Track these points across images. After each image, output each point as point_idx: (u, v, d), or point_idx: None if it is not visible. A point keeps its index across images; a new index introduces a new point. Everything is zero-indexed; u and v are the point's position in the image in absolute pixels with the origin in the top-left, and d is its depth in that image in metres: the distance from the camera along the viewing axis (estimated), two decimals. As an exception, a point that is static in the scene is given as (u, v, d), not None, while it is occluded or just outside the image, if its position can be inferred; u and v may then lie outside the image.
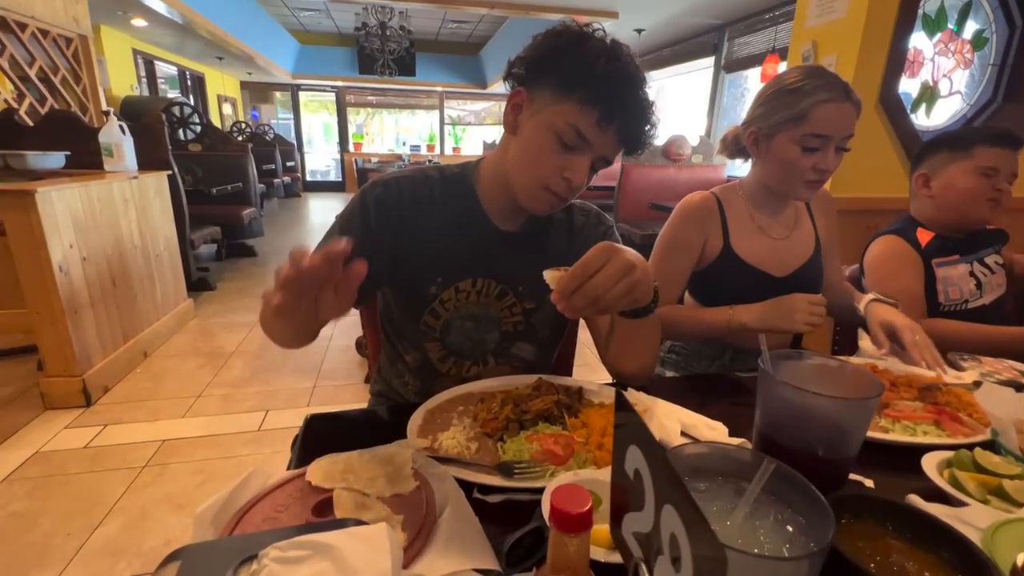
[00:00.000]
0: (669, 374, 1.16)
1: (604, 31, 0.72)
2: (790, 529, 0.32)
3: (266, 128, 8.56)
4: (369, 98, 10.61)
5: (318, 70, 9.28)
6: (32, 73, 3.64)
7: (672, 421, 0.63)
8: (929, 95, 2.20)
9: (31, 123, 3.02)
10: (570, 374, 1.06)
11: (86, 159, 2.69)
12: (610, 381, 0.82)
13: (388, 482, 0.48)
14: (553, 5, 4.48)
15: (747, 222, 1.07)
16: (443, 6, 4.36)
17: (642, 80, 0.71)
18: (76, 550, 1.36)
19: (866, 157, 2.05)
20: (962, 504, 0.49)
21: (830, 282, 1.15)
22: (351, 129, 10.60)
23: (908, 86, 2.15)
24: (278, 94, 10.69)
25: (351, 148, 10.52)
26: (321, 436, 0.67)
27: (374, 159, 10.20)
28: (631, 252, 0.60)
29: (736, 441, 0.59)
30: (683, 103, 6.72)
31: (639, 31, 5.34)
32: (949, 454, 0.57)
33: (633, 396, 0.71)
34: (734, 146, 1.09)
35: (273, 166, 7.51)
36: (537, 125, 0.71)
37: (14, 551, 1.35)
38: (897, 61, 2.06)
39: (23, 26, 3.56)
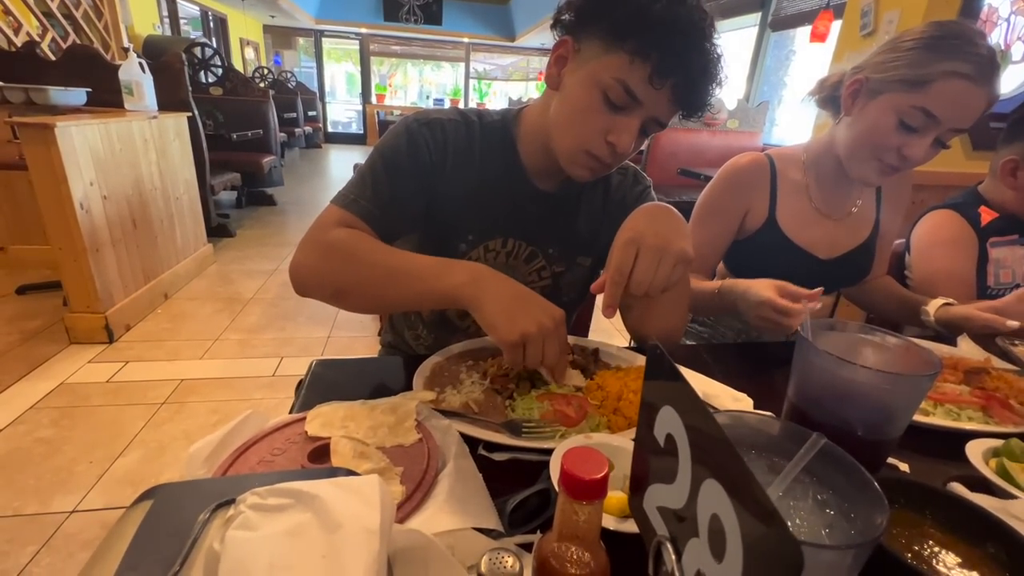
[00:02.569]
0: (689, 343, 1.11)
1: None
2: (831, 513, 0.29)
3: (288, 75, 8.41)
4: (394, 48, 10.31)
5: (342, 15, 9.00)
6: (54, 7, 3.59)
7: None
8: (1000, 58, 2.01)
9: (53, 58, 2.99)
10: (586, 335, 1.03)
11: (106, 97, 2.67)
12: (628, 345, 0.78)
13: (389, 432, 0.45)
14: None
15: (800, 195, 0.96)
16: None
17: (710, 29, 0.60)
18: (97, 477, 1.41)
19: (919, 126, 1.90)
20: (1010, 496, 0.45)
21: (874, 273, 1.05)
22: (374, 80, 10.35)
23: (975, 48, 1.96)
24: (301, 40, 10.44)
25: (374, 100, 10.31)
26: (326, 383, 0.65)
27: (396, 112, 10.01)
28: (655, 231, 0.57)
29: (764, 415, 0.55)
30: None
31: (680, -17, 5.00)
32: (997, 442, 0.52)
33: (652, 361, 0.67)
34: (831, 92, 0.92)
35: (295, 115, 7.41)
36: (581, 80, 0.63)
37: (40, 474, 1.41)
38: (970, 18, 1.88)
39: (43, -45, 3.48)
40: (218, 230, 3.57)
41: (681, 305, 0.74)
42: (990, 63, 0.74)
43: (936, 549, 0.39)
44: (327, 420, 0.47)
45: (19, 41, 3.26)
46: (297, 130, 7.48)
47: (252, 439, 0.44)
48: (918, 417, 0.58)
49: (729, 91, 5.09)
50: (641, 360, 0.67)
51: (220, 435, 0.44)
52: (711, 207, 0.98)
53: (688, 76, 0.60)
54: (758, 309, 0.73)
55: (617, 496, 0.37)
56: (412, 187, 0.71)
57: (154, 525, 0.26)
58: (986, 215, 1.03)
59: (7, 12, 3.23)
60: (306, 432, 0.46)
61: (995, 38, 1.99)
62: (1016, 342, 0.83)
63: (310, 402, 0.54)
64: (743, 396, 0.60)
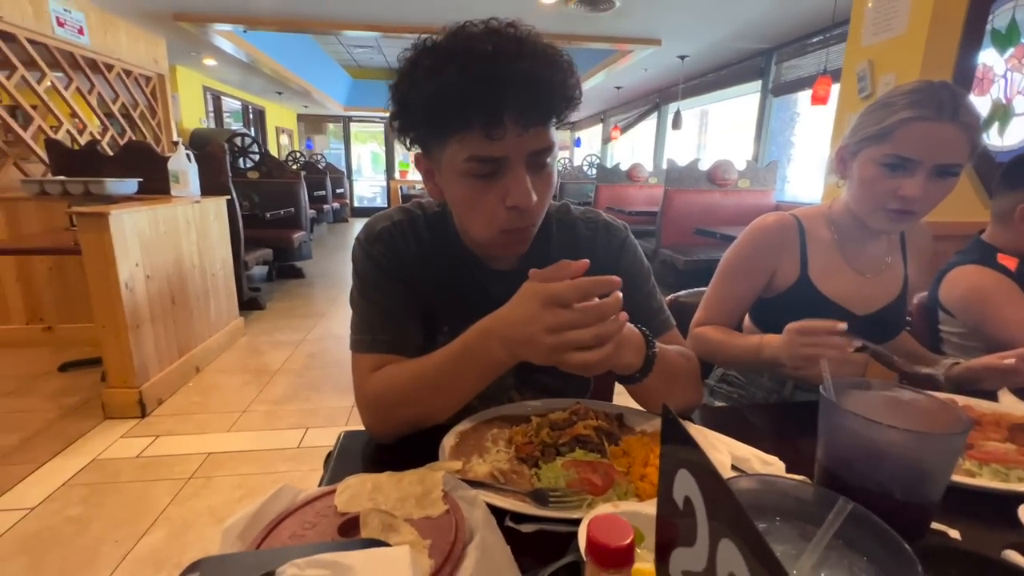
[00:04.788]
0: (719, 405, 1.09)
1: (435, 37, 0.59)
2: (868, 582, 0.28)
3: (319, 157, 9.02)
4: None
5: (368, 102, 9.75)
6: (115, 108, 4.01)
7: (722, 453, 0.58)
8: (1002, 113, 2.06)
9: (111, 153, 3.30)
10: (610, 400, 1.02)
11: (156, 185, 2.90)
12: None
13: (417, 504, 0.46)
14: (594, 35, 4.55)
15: (831, 252, 0.96)
16: (488, 39, 4.51)
17: (506, 49, 0.55)
18: (122, 557, 1.40)
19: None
20: (1073, 564, 0.42)
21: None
22: (397, 157, 11.01)
23: (978, 104, 2.02)
24: (331, 125, 11.30)
25: (397, 176, 10.91)
26: (354, 454, 0.66)
27: (418, 186, 10.53)
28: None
29: (796, 478, 0.54)
30: (729, 127, 6.61)
31: (682, 57, 5.33)
32: (1052, 505, 0.49)
33: (678, 425, 0.66)
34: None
35: (324, 192, 7.86)
36: (448, 180, 0.63)
37: (67, 554, 1.41)
38: (964, 78, 1.95)
39: (110, 67, 3.93)
40: (249, 303, 3.71)
41: (690, 384, 0.73)
42: (949, 100, 0.77)
43: (995, 625, 0.36)
44: (355, 493, 0.48)
45: (83, 140, 3.62)
46: (325, 206, 7.91)
47: (283, 513, 0.45)
48: (964, 479, 0.55)
49: (738, 153, 5.25)
50: (666, 424, 0.66)
51: (253, 510, 0.45)
52: (737, 266, 0.99)
53: (519, 104, 0.55)
54: (788, 346, 0.75)
55: (647, 568, 0.37)
56: (399, 293, 0.72)
57: (201, 597, 0.27)
58: (1008, 261, 1.03)
59: (74, 115, 3.62)
60: (335, 507, 0.47)
61: (995, 94, 2.04)
62: (1062, 395, 0.79)
63: (339, 474, 0.54)
64: (774, 459, 0.58)
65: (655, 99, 7.33)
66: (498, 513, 0.49)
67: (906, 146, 0.80)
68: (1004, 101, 2.06)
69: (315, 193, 7.23)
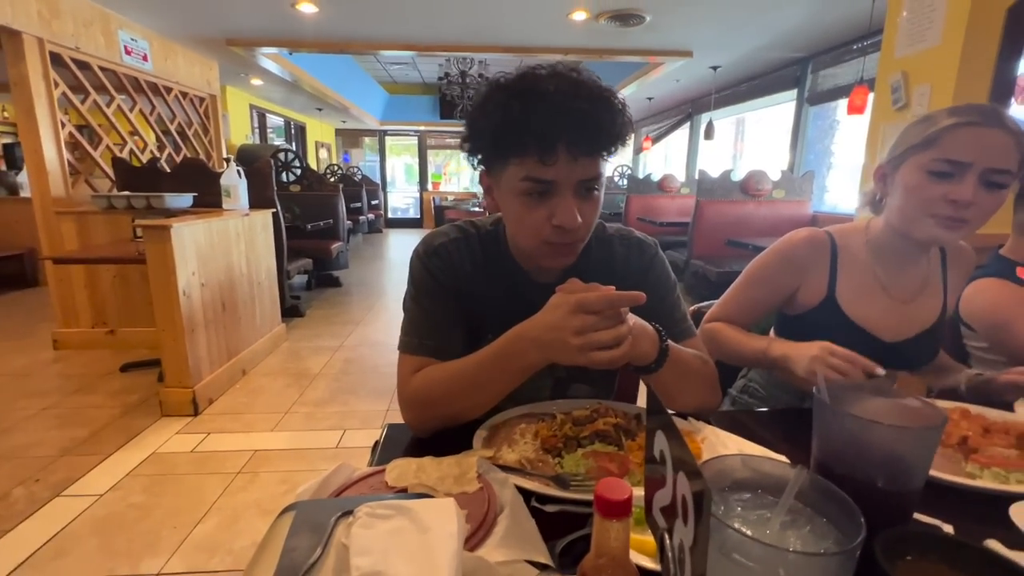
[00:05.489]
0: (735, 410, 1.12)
1: (511, 74, 0.68)
2: (827, 542, 0.33)
3: (355, 170, 9.36)
4: (448, 141, 11.30)
5: (403, 116, 10.08)
6: (172, 127, 4.31)
7: (730, 450, 0.63)
8: (1043, 122, 2.01)
9: (168, 169, 3.56)
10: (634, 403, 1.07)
11: (209, 199, 3.12)
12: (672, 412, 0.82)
13: (455, 482, 0.53)
14: (625, 48, 4.61)
15: (864, 274, 0.93)
16: (520, 55, 4.63)
17: (565, 90, 0.64)
18: (179, 542, 1.53)
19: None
20: (1054, 555, 0.46)
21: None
22: (430, 170, 11.30)
23: (1019, 114, 1.98)
24: (367, 139, 11.69)
25: (430, 187, 11.19)
26: (398, 442, 0.74)
27: (450, 197, 10.76)
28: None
29: (780, 460, 0.58)
30: (763, 137, 6.53)
31: (715, 68, 5.33)
32: (1044, 504, 0.52)
33: (693, 424, 0.72)
34: (872, 197, 0.96)
35: (360, 204, 8.15)
36: (504, 196, 0.72)
37: (132, 537, 1.55)
38: (1004, 88, 1.92)
39: (169, 89, 4.24)
40: (290, 311, 3.90)
41: (705, 385, 0.78)
42: (990, 107, 0.78)
43: (967, 601, 0.40)
44: (403, 471, 0.56)
45: (144, 157, 3.92)
46: (361, 217, 8.19)
47: (342, 486, 0.53)
48: (964, 480, 0.59)
49: (773, 163, 5.19)
50: (681, 424, 0.72)
51: (318, 482, 0.53)
52: (759, 276, 0.99)
53: (571, 136, 0.63)
54: (815, 358, 0.76)
55: (648, 539, 0.43)
56: (451, 306, 0.80)
57: (299, 527, 0.35)
58: None
59: (134, 133, 3.92)
60: (386, 482, 0.54)
61: (1036, 102, 2.00)
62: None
63: (385, 460, 0.62)
64: (781, 458, 0.63)
65: (687, 109, 7.31)
66: (525, 495, 0.55)
67: (955, 150, 0.77)
68: (1047, 110, 2.01)
69: (351, 205, 7.49)
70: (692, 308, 1.24)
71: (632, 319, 0.65)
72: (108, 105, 3.57)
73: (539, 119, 0.63)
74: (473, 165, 0.77)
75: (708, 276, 3.91)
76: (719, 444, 0.65)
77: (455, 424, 0.73)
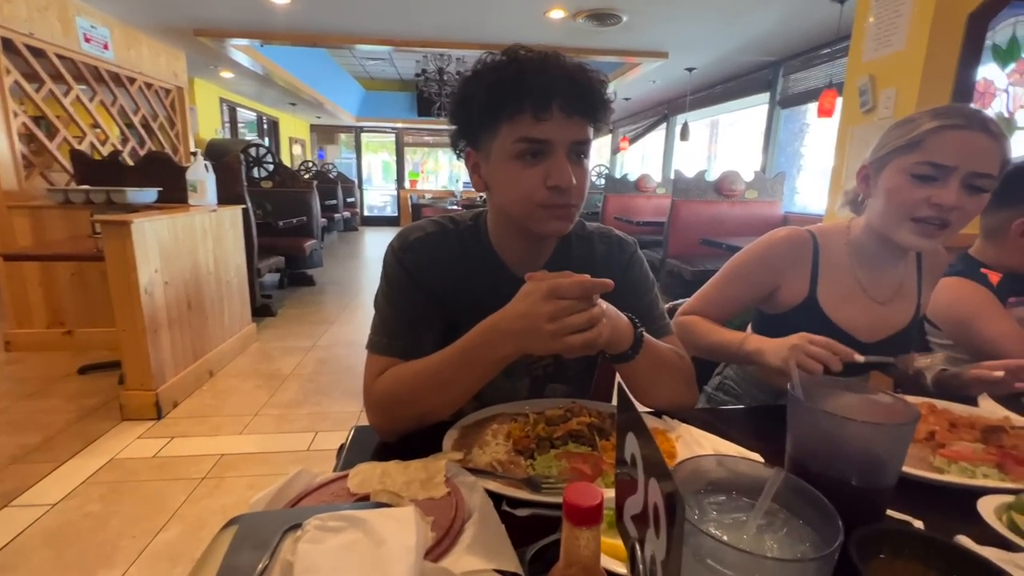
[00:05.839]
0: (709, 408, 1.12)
1: (495, 54, 0.70)
2: (804, 546, 0.32)
3: (330, 167, 9.18)
4: (426, 138, 11.19)
5: (379, 113, 9.92)
6: (136, 120, 4.15)
7: (705, 449, 0.63)
8: (1006, 126, 2.09)
9: (131, 163, 3.42)
10: (610, 401, 1.06)
11: (174, 194, 3.01)
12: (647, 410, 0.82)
13: (421, 487, 0.51)
14: (602, 48, 4.63)
15: (845, 275, 0.94)
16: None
17: (554, 57, 0.67)
18: (139, 552, 1.45)
19: (931, 191, 1.95)
20: (1020, 549, 0.46)
21: None
22: (408, 167, 11.17)
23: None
24: (343, 135, 11.49)
25: (407, 185, 11.06)
26: (364, 446, 0.71)
27: (428, 195, 10.66)
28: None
29: (755, 459, 0.58)
30: (737, 139, 6.65)
31: (690, 70, 5.40)
32: (1010, 498, 0.53)
33: (667, 422, 0.71)
34: (854, 196, 0.97)
35: (335, 201, 8.00)
36: (496, 164, 0.71)
37: (86, 548, 1.47)
38: (964, 92, 1.98)
39: (132, 80, 4.07)
40: (261, 310, 3.79)
41: (682, 380, 0.78)
42: (976, 112, 0.78)
43: (939, 598, 0.40)
44: (366, 477, 0.53)
45: (105, 151, 3.75)
46: (336, 215, 8.04)
47: (302, 493, 0.50)
48: (932, 474, 0.59)
49: (746, 164, 5.29)
50: (655, 422, 0.71)
51: (274, 489, 0.50)
52: (738, 273, 0.99)
53: (563, 93, 0.65)
54: (794, 347, 0.76)
55: (618, 542, 0.41)
56: (424, 304, 0.77)
57: (240, 543, 0.32)
58: (992, 276, 1.05)
59: (96, 126, 3.75)
60: (348, 488, 0.52)
61: (996, 107, 2.07)
62: (1041, 401, 0.82)
63: (351, 464, 0.59)
64: (755, 456, 0.62)
65: (663, 110, 7.39)
66: (496, 499, 0.53)
67: (939, 153, 0.77)
68: (1007, 115, 2.09)
69: (326, 202, 7.35)
70: (667, 306, 1.24)
71: (605, 305, 0.64)
72: (66, 95, 3.41)
73: (534, 75, 0.65)
74: (457, 150, 0.76)
75: (683, 275, 3.96)
76: (694, 443, 0.64)
77: (423, 425, 0.70)
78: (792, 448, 0.49)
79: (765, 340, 0.85)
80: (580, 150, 0.69)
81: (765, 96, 5.24)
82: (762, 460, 0.61)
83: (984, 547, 0.46)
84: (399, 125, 10.51)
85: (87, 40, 3.50)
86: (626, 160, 9.41)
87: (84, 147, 3.52)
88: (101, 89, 3.74)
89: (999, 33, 2.02)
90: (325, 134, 11.38)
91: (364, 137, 11.12)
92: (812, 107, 4.60)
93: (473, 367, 0.66)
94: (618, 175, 6.51)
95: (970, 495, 0.55)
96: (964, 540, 0.47)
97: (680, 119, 6.34)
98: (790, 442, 0.49)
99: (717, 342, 0.95)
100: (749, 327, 1.11)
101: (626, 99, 7.34)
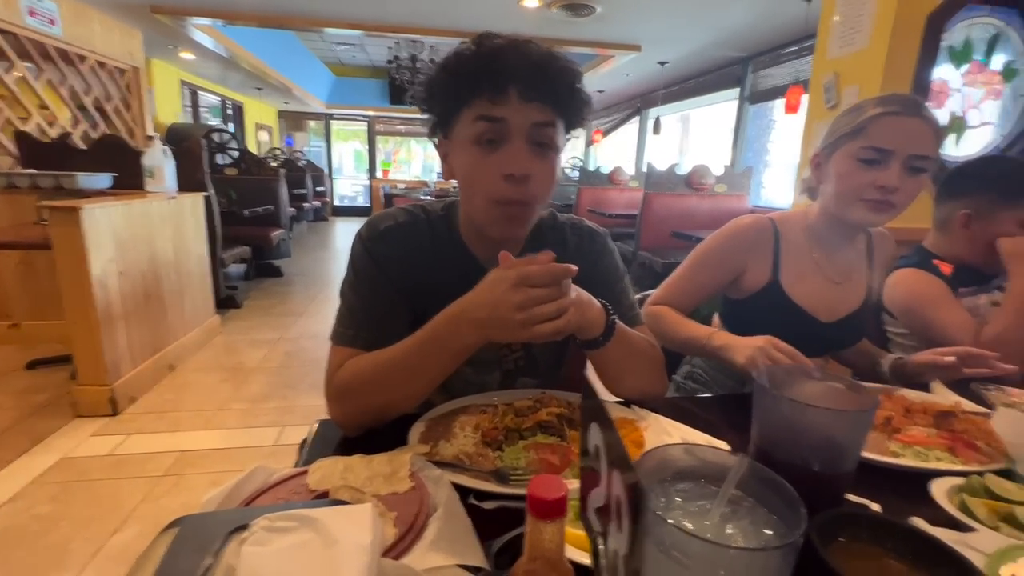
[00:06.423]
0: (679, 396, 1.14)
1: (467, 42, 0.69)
2: (768, 532, 0.32)
3: (299, 155, 8.93)
4: (398, 127, 10.98)
5: (350, 100, 9.68)
6: (88, 101, 3.92)
7: (674, 438, 0.63)
8: (958, 125, 2.17)
9: (83, 147, 3.23)
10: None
11: (130, 180, 2.86)
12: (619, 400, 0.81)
13: (385, 481, 0.49)
14: (576, 39, 4.62)
15: (804, 258, 0.99)
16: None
17: (520, 44, 0.66)
18: (92, 555, 1.39)
19: (890, 186, 2.02)
20: (970, 530, 0.48)
21: None
22: (380, 157, 10.96)
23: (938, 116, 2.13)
24: (312, 123, 11.18)
25: (379, 175, 10.86)
26: (328, 441, 0.68)
27: (401, 185, 10.49)
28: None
29: (720, 448, 0.58)
30: (707, 133, 6.76)
31: (662, 63, 5.44)
32: (960, 481, 0.55)
33: (636, 412, 0.71)
34: (811, 183, 1.02)
35: (304, 191, 7.79)
36: (458, 154, 0.70)
37: (35, 552, 1.39)
38: (921, 91, 2.05)
39: (83, 58, 3.85)
40: (226, 301, 3.66)
41: (653, 369, 0.78)
42: (911, 99, 0.85)
43: (895, 579, 0.41)
44: (327, 473, 0.51)
45: (53, 133, 3.54)
46: (306, 205, 7.83)
47: (257, 491, 0.48)
48: (888, 459, 0.61)
49: (716, 159, 5.39)
50: (624, 412, 0.71)
51: (228, 487, 0.47)
52: (705, 260, 1.01)
53: (523, 77, 0.64)
54: (761, 348, 0.78)
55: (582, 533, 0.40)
56: (391, 296, 0.75)
57: (180, 546, 0.30)
58: (944, 267, 1.10)
59: (44, 106, 3.53)
60: (307, 485, 0.49)
61: (950, 107, 2.16)
62: (989, 387, 0.86)
63: (313, 458, 0.57)
64: (722, 444, 0.63)
65: (636, 104, 7.45)
66: (463, 492, 0.52)
67: (880, 138, 0.85)
68: (960, 114, 2.17)
69: (295, 191, 7.15)
70: (636, 296, 1.25)
71: (576, 291, 0.64)
72: (8, 72, 3.19)
73: (491, 58, 0.64)
74: (434, 139, 0.75)
75: (655, 267, 4.02)
76: (662, 432, 0.64)
77: (386, 418, 0.68)
78: (756, 436, 0.49)
79: (732, 337, 0.87)
80: (543, 138, 0.67)
81: (735, 92, 5.34)
82: (729, 448, 0.62)
83: (937, 528, 0.48)
84: (371, 113, 10.29)
85: (31, 14, 3.28)
86: (600, 154, 9.47)
87: (30, 129, 3.31)
88: (48, 67, 3.52)
89: (955, 34, 2.09)
90: (293, 121, 11.04)
91: (334, 125, 10.84)
92: (780, 103, 4.71)
93: (437, 356, 0.64)
94: (592, 168, 6.54)
95: (924, 478, 0.57)
96: (918, 522, 0.48)
97: (653, 113, 6.40)
98: (755, 430, 0.49)
99: (685, 336, 0.96)
100: (716, 316, 1.13)
101: (600, 91, 7.37)
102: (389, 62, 7.71)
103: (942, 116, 2.16)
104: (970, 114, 2.18)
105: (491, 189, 0.67)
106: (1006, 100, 2.19)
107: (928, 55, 1.98)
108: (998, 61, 2.15)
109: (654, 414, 0.70)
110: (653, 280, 4.01)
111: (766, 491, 0.34)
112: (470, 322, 0.60)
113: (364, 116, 10.50)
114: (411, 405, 0.68)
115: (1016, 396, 0.84)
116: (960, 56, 2.13)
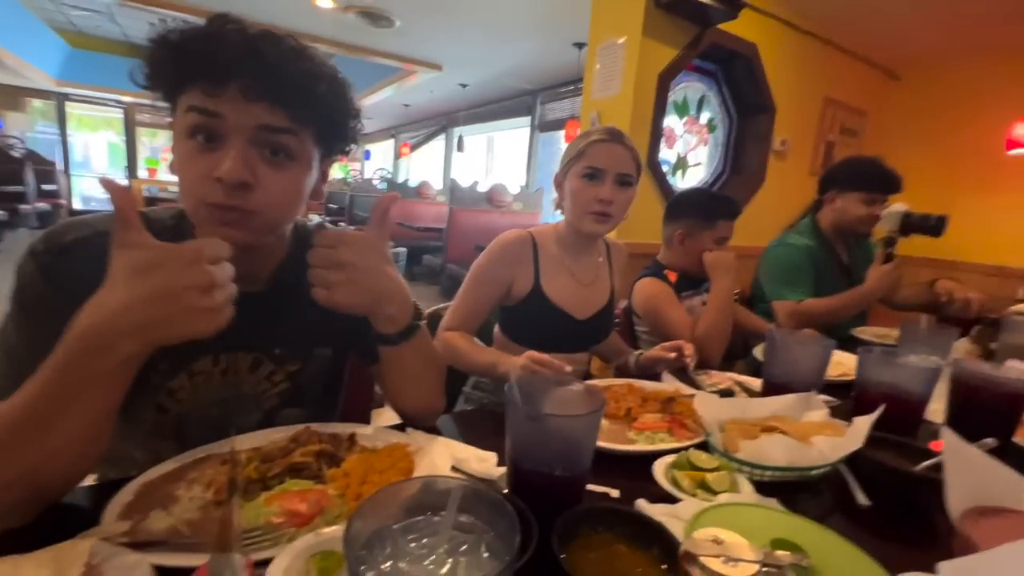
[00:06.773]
0: (469, 409, 1.16)
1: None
2: (486, 555, 0.32)
3: (13, 141, 6.83)
4: (168, 119, 9.24)
5: (97, 80, 7.79)
6: None
7: (443, 458, 0.62)
8: (682, 163, 2.75)
9: None
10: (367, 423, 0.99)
11: None
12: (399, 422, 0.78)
13: (39, 590, 0.36)
14: (376, 49, 4.53)
15: (557, 264, 1.13)
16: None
17: (262, 34, 0.57)
18: None
19: (640, 211, 2.44)
20: (677, 500, 0.57)
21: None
22: (143, 153, 9.06)
23: (668, 155, 2.66)
24: (36, 102, 8.68)
25: (144, 174, 8.95)
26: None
27: (171, 187, 8.82)
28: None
29: (501, 470, 0.60)
30: (509, 155, 7.32)
31: (463, 85, 5.70)
32: (673, 457, 0.65)
33: (410, 436, 0.68)
34: (559, 201, 1.18)
35: (21, 188, 5.98)
36: (175, 139, 0.59)
37: None
38: (657, 134, 2.52)
39: None
40: None
41: (431, 380, 0.76)
42: (615, 130, 1.06)
43: (620, 563, 0.46)
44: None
45: None
46: (24, 207, 6.02)
47: None
48: (625, 446, 0.70)
49: (514, 179, 5.85)
50: (398, 437, 0.67)
51: None
52: (480, 276, 1.10)
53: (249, 69, 0.55)
54: (524, 367, 0.85)
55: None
56: (58, 330, 0.47)
57: None
58: (671, 275, 1.38)
59: None
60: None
61: (677, 148, 2.72)
62: (699, 372, 1.08)
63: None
64: (490, 455, 0.64)
65: (442, 121, 7.67)
66: (179, 573, 0.42)
67: (596, 159, 1.04)
68: (683, 154, 2.76)
69: (4, 188, 5.44)
70: (430, 310, 1.24)
71: (365, 261, 0.61)
72: None
73: (217, 42, 0.55)
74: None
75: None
76: (434, 453, 0.62)
77: (44, 495, 0.50)
78: (509, 448, 0.51)
79: (508, 359, 0.94)
80: (276, 145, 0.58)
81: (527, 120, 5.90)
82: (495, 457, 0.63)
83: (655, 504, 0.56)
84: (128, 99, 8.44)
85: None
86: (413, 166, 9.45)
87: None
88: None
89: (677, 92, 2.65)
90: (6, 97, 8.39)
91: (73, 108, 8.60)
92: (563, 133, 5.37)
93: (80, 390, 0.47)
94: (401, 180, 6.48)
95: (653, 459, 0.66)
96: (641, 503, 0.55)
97: (457, 131, 6.66)
98: (507, 444, 0.51)
99: (476, 361, 1.02)
100: (496, 326, 1.20)
101: (406, 105, 7.38)
102: (151, 40, 6.46)
103: (672, 155, 2.71)
104: (690, 155, 2.78)
105: (202, 190, 0.56)
106: (712, 147, 2.87)
107: (660, 105, 2.46)
108: (705, 116, 2.80)
109: (428, 435, 0.68)
110: (461, 292, 4.13)
111: (491, 513, 0.34)
112: (129, 329, 0.46)
113: (119, 102, 8.57)
114: (76, 468, 0.51)
115: (716, 378, 1.07)
116: (681, 109, 2.70)
